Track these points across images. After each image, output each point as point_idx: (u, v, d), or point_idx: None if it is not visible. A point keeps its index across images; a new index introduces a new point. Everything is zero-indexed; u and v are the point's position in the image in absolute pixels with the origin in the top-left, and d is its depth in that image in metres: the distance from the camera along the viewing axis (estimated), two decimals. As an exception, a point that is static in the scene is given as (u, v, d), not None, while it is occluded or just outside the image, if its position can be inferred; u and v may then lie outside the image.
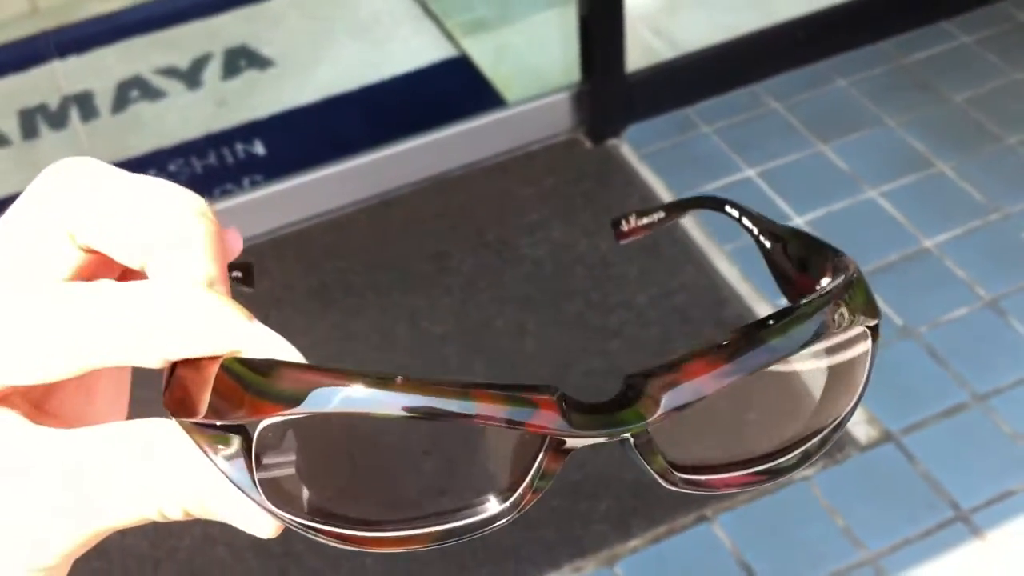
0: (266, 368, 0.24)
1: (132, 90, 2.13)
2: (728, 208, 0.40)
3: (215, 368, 0.25)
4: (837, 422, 0.30)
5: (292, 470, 0.25)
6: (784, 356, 0.26)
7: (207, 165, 1.97)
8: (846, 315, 0.27)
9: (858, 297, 0.28)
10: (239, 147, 1.99)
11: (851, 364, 0.29)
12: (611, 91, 1.93)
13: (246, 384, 0.24)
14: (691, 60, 1.99)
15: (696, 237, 1.74)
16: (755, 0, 2.19)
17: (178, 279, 0.27)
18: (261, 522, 0.27)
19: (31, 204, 0.27)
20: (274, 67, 2.18)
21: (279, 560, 1.39)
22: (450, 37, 2.20)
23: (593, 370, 1.55)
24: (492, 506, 0.26)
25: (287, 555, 1.39)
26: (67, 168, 0.27)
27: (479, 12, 2.28)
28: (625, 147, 1.94)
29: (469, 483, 0.26)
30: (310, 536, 0.26)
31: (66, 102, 2.12)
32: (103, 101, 2.12)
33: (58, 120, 2.09)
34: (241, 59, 2.19)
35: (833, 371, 0.29)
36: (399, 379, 0.24)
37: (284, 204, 1.85)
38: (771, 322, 0.26)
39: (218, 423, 0.25)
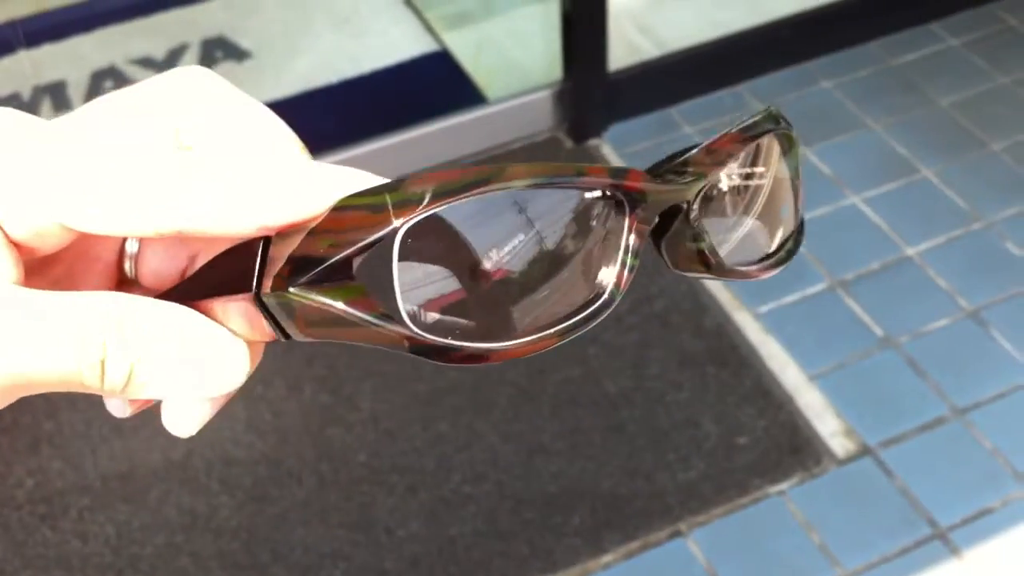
0: (386, 186, 0.26)
1: (106, 80, 2.09)
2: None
3: (320, 219, 0.25)
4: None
5: (419, 296, 0.26)
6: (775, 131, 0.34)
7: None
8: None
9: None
10: (214, 141, 1.95)
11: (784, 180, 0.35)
12: (593, 89, 1.90)
13: (374, 206, 0.25)
14: (675, 59, 1.96)
15: (676, 241, 1.71)
16: (741, -3, 2.16)
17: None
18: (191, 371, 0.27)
19: (146, 89, 0.29)
20: (251, 59, 2.14)
21: (246, 572, 1.36)
22: (431, 30, 2.17)
23: (570, 377, 1.52)
24: (599, 297, 0.29)
25: (253, 567, 1.36)
26: (185, 73, 0.29)
27: (461, 5, 2.24)
28: (607, 147, 1.91)
29: (573, 286, 0.29)
30: (461, 358, 0.27)
31: (38, 92, 2.08)
32: (76, 91, 2.08)
33: (29, 111, 2.05)
34: (218, 50, 2.15)
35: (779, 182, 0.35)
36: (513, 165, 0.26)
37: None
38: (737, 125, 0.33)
39: (326, 272, 0.25)
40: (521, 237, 0.27)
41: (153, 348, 0.26)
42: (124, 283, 0.31)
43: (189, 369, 0.26)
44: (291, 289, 0.25)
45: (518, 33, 2.14)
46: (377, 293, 0.25)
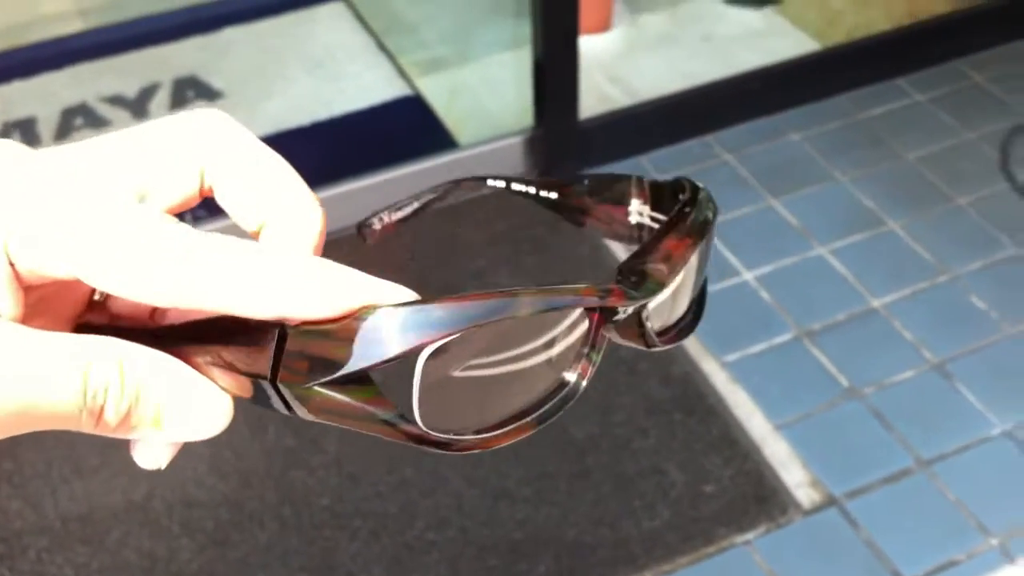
0: (409, 308, 0.28)
1: (76, 117, 2.09)
2: (491, 182, 0.45)
3: (345, 324, 0.27)
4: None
5: (429, 399, 0.29)
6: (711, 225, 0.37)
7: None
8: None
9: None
10: (184, 180, 1.94)
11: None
12: (564, 137, 1.92)
13: (398, 326, 0.27)
14: (645, 108, 1.98)
15: (645, 289, 1.72)
16: (716, 47, 2.19)
17: (297, 245, 0.30)
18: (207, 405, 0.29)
19: (172, 125, 0.29)
20: (223, 99, 2.14)
21: (203, 615, 1.34)
22: (404, 75, 2.18)
23: (535, 423, 1.52)
24: (566, 386, 0.33)
25: (212, 610, 1.34)
26: (208, 115, 0.30)
27: (434, 51, 2.26)
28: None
29: (546, 383, 0.33)
30: (457, 449, 0.30)
31: (7, 128, 2.07)
32: (46, 128, 2.07)
33: (-2, 145, 2.04)
34: (189, 90, 2.15)
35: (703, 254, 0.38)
36: (521, 289, 0.29)
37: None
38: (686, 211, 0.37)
39: (347, 376, 0.28)
40: (512, 346, 0.31)
41: (149, 395, 0.27)
42: (93, 305, 0.32)
43: (177, 417, 0.28)
44: (310, 385, 0.28)
45: (491, 80, 2.16)
46: (395, 396, 0.29)
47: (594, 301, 0.31)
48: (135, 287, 0.26)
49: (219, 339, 0.29)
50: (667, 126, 2.00)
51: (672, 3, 2.34)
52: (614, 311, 0.32)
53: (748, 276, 1.73)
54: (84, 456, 1.49)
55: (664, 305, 0.36)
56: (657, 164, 1.95)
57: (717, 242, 1.79)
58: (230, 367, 0.29)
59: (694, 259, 0.36)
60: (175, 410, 0.28)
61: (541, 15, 1.79)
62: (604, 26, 2.23)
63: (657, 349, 0.36)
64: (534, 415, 0.32)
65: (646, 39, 2.24)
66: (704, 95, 2.01)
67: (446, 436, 0.29)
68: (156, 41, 2.28)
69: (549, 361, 0.32)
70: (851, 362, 1.60)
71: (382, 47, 2.25)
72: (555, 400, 0.32)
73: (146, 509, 1.44)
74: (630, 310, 0.33)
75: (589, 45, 2.14)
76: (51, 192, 0.26)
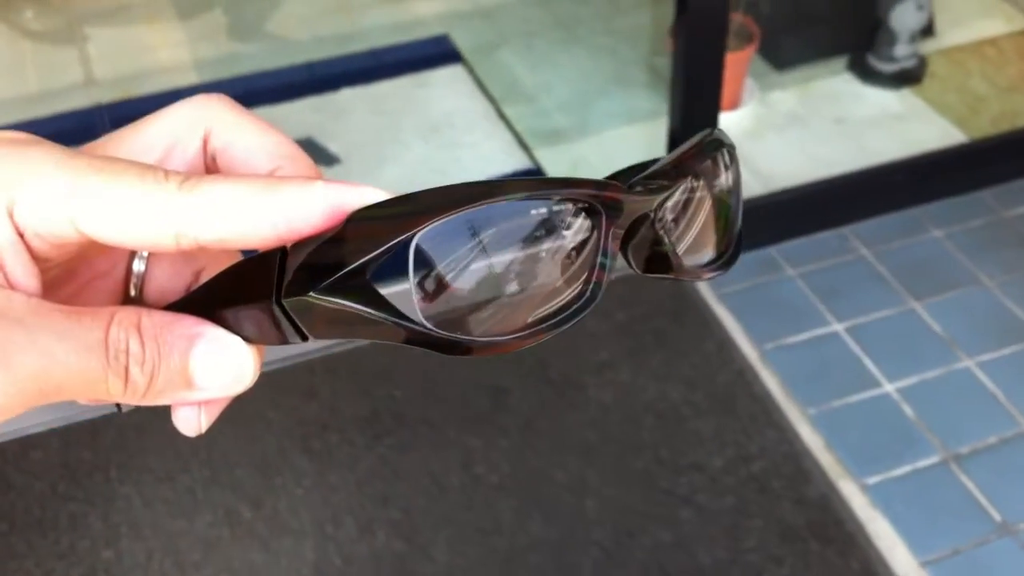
0: (398, 200, 0.28)
1: (190, 177, 2.04)
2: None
3: (338, 228, 0.28)
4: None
5: (430, 296, 0.29)
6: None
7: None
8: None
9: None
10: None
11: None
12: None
13: (388, 217, 0.28)
14: (778, 197, 1.88)
15: (777, 395, 1.61)
16: (849, 130, 2.08)
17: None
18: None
19: (175, 106, 0.31)
20: (340, 164, 2.09)
21: None
22: (524, 146, 2.10)
23: (661, 542, 1.42)
24: (582, 295, 0.31)
25: None
26: (207, 95, 0.31)
27: (556, 121, 2.18)
28: (702, 283, 1.82)
29: (560, 290, 0.31)
30: (460, 349, 0.29)
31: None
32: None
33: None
34: (307, 152, 2.10)
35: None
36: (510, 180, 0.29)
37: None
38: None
39: (344, 278, 0.28)
40: (517, 244, 0.30)
41: (172, 356, 0.28)
42: (129, 303, 0.33)
43: (205, 372, 0.29)
44: (311, 293, 0.28)
45: (613, 154, 2.07)
46: (400, 302, 0.28)
47: (588, 193, 0.30)
48: (136, 229, 0.27)
49: (233, 287, 0.30)
50: (800, 215, 1.90)
51: (804, 80, 2.24)
52: (618, 211, 0.31)
53: (889, 388, 1.62)
54: (186, 551, 1.42)
55: (687, 231, 0.36)
56: (789, 256, 1.85)
57: (854, 346, 1.68)
58: (246, 308, 0.29)
59: (717, 180, 0.36)
60: (201, 364, 0.29)
61: (682, 89, 1.70)
62: (734, 103, 2.14)
63: (688, 279, 0.36)
64: (549, 322, 0.31)
65: (776, 118, 2.15)
66: (840, 185, 1.90)
67: (451, 336, 0.29)
68: (272, 99, 2.24)
69: (561, 269, 0.31)
70: (1004, 493, 1.48)
71: (501, 115, 2.18)
72: (570, 307, 0.31)
73: (247, 611, 1.37)
74: (642, 227, 0.33)
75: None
76: (54, 159, 0.27)
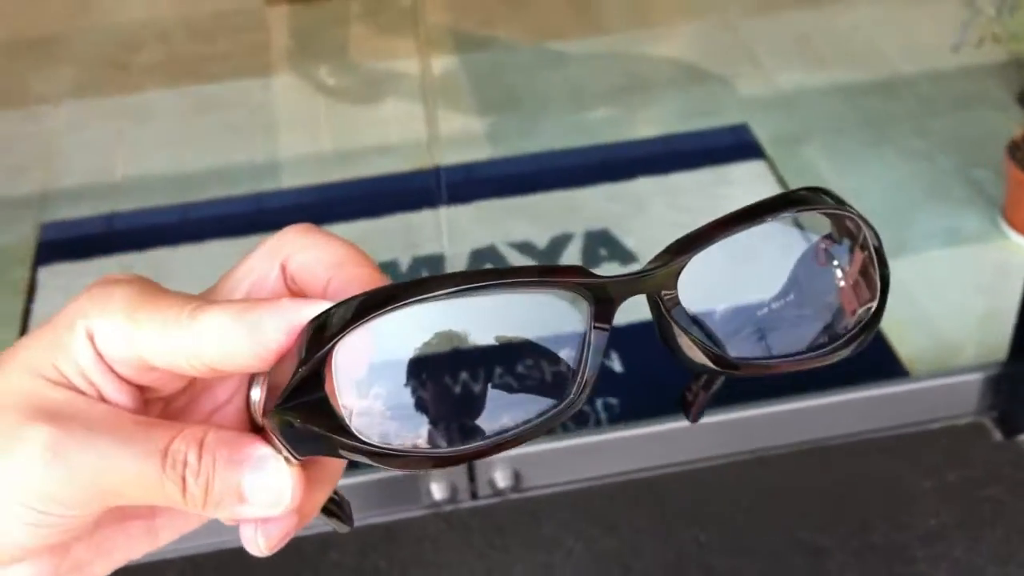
0: (327, 311, 0.28)
1: (484, 263, 1.98)
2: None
3: (289, 349, 0.28)
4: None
5: (387, 416, 0.28)
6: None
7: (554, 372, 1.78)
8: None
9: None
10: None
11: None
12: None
13: (318, 328, 0.28)
14: None
15: None
16: None
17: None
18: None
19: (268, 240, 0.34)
20: (636, 262, 1.98)
21: None
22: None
23: None
24: (565, 398, 0.29)
25: None
26: (294, 226, 0.33)
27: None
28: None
29: (536, 389, 0.29)
30: (423, 464, 0.28)
31: (416, 263, 1.99)
32: (453, 268, 1.97)
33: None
34: (602, 247, 2.01)
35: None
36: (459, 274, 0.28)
37: (640, 443, 1.63)
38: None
39: (291, 393, 0.28)
40: (488, 337, 0.28)
41: (227, 470, 0.30)
42: (256, 431, 0.33)
43: (252, 493, 0.30)
44: (274, 411, 0.28)
45: (934, 280, 1.91)
46: (327, 408, 0.27)
47: (537, 279, 0.28)
48: (163, 357, 0.30)
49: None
50: None
51: None
52: (601, 297, 0.29)
53: None
54: None
55: (727, 311, 0.31)
56: None
57: None
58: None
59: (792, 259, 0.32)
60: (249, 481, 0.30)
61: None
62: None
63: (730, 373, 0.31)
64: (524, 427, 0.28)
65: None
66: None
67: (384, 447, 0.27)
68: (567, 183, 2.16)
69: (535, 365, 0.28)
70: None
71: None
72: (547, 413, 0.28)
73: None
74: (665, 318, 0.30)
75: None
76: (127, 298, 0.30)
